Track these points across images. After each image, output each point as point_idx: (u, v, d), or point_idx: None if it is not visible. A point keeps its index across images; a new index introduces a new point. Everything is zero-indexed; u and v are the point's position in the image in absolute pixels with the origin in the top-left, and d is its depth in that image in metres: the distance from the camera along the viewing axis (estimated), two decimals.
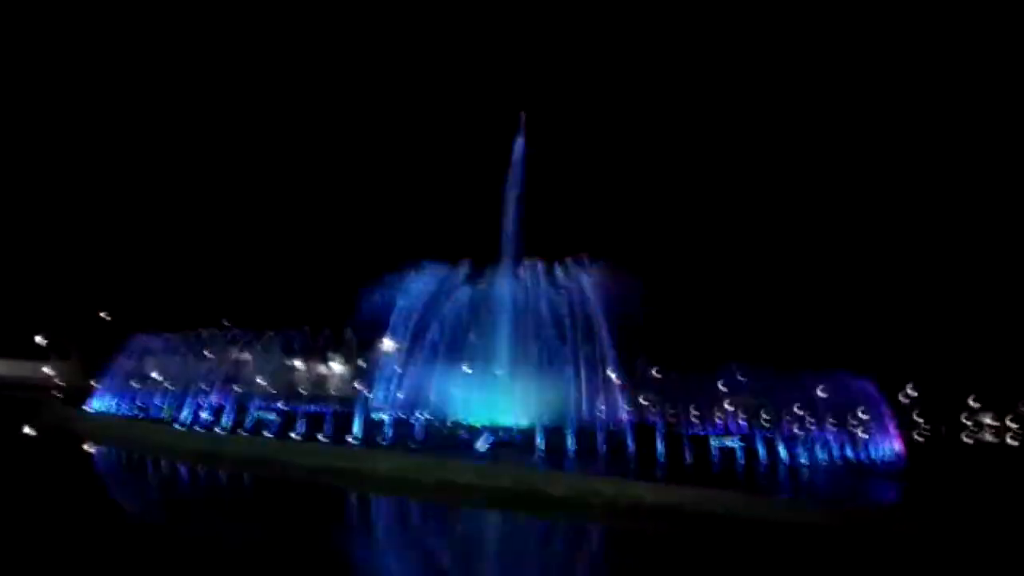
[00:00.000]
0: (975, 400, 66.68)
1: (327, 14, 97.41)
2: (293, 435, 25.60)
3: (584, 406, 31.43)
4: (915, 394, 63.63)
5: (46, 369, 65.28)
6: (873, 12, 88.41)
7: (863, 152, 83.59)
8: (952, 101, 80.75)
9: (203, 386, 32.01)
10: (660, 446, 26.42)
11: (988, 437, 62.83)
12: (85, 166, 77.22)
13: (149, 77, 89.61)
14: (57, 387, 50.93)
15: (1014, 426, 68.04)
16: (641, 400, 35.95)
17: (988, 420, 67.15)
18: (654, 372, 35.14)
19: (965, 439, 60.91)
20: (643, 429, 29.41)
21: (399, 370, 32.38)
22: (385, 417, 27.68)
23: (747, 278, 67.50)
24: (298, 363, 42.47)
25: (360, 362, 34.94)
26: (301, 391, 41.41)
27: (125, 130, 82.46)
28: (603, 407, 32.42)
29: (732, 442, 31.33)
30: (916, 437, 53.53)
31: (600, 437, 26.86)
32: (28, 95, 77.67)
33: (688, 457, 26.33)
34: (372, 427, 26.43)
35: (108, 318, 74.04)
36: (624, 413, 32.31)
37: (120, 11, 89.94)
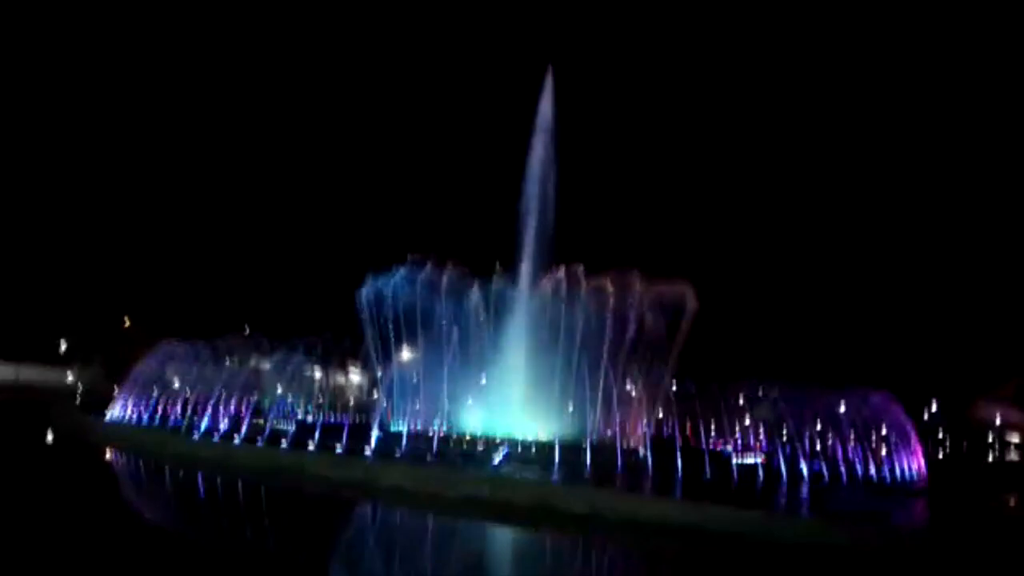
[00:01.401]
0: (999, 418, 65.53)
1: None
2: (308, 446, 25.57)
3: (603, 420, 31.19)
4: (938, 411, 62.73)
5: (70, 375, 65.93)
6: None
7: (886, 166, 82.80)
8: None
9: (222, 394, 32.11)
10: (680, 462, 26.12)
11: (1013, 456, 61.64)
12: (109, 172, 78.23)
13: (179, 80, 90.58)
14: (77, 392, 51.40)
15: None
16: (661, 414, 35.61)
17: (1014, 439, 65.96)
18: (675, 386, 34.78)
19: (989, 457, 59.77)
20: (662, 444, 29.12)
21: (416, 381, 32.33)
22: (402, 429, 27.62)
23: (770, 291, 66.96)
24: (316, 372, 42.51)
25: (378, 372, 34.85)
26: (319, 401, 41.45)
27: (145, 136, 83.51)
28: (622, 421, 32.12)
29: (753, 458, 30.94)
30: (939, 455, 52.58)
31: (619, 452, 26.62)
32: (54, 100, 78.91)
33: (708, 473, 26.00)
34: (388, 439, 26.34)
35: (130, 324, 74.83)
36: (643, 428, 32.03)
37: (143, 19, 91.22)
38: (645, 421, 32.69)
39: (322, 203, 79.94)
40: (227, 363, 35.33)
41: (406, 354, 33.83)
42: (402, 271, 33.35)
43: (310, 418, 34.78)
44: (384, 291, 33.21)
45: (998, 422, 68.71)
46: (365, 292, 33.34)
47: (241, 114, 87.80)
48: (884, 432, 37.17)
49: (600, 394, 31.11)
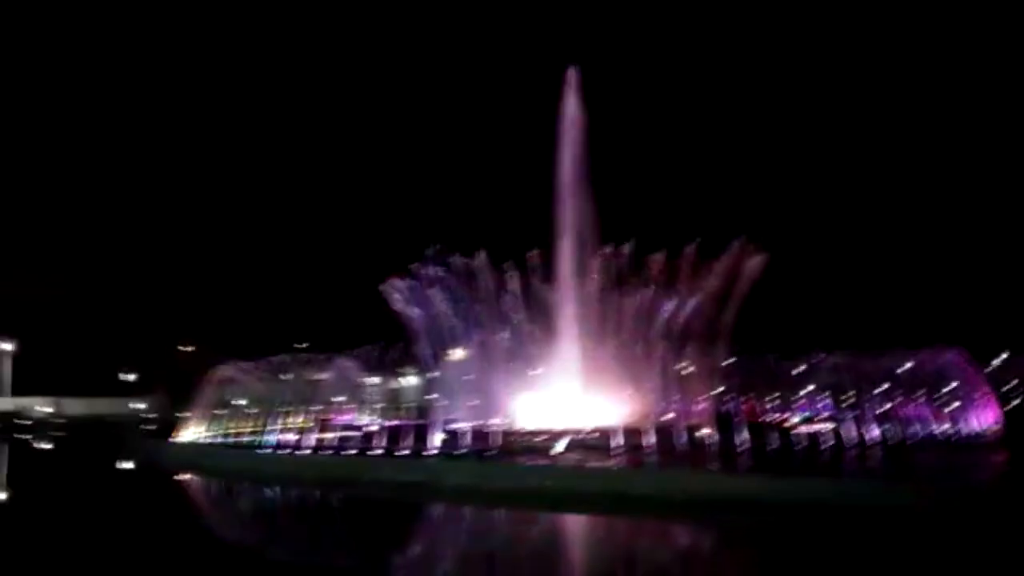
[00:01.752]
0: None
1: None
2: (372, 452, 25.99)
3: (663, 401, 30.99)
4: (1007, 361, 60.55)
5: (133, 404, 68.08)
6: None
7: (932, 139, 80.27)
8: None
9: (284, 409, 32.81)
10: (742, 435, 25.86)
11: None
12: (158, 206, 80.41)
13: (220, 105, 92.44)
14: (146, 420, 53.04)
15: None
16: (722, 389, 35.24)
17: None
18: (733, 359, 34.34)
19: None
20: (724, 419, 28.83)
21: (470, 378, 32.54)
22: (461, 427, 27.85)
23: (832, 257, 65.61)
24: (372, 379, 43.12)
25: (432, 373, 35.20)
26: (377, 406, 42.04)
27: (186, 164, 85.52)
28: (682, 400, 31.90)
29: (818, 426, 30.42)
30: (1012, 405, 50.86)
31: (680, 431, 26.45)
32: (97, 134, 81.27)
33: (771, 445, 25.69)
34: (449, 438, 26.61)
35: (189, 350, 76.92)
36: (700, 404, 31.75)
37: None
38: (706, 397, 32.39)
39: (354, 211, 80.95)
40: (285, 379, 36.07)
41: (458, 352, 34.09)
42: (436, 269, 33.63)
43: (374, 425, 35.32)
44: (420, 289, 33.59)
45: None
46: (401, 287, 33.75)
47: (272, 131, 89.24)
48: (956, 387, 36.15)
49: (658, 374, 30.94)
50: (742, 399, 34.78)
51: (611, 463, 22.71)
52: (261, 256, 79.33)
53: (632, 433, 25.96)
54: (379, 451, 26.07)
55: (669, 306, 32.93)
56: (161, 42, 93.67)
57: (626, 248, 33.51)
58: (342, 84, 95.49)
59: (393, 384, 51.88)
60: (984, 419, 34.18)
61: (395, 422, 36.03)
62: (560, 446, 25.04)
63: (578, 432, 27.09)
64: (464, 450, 25.34)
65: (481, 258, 34.11)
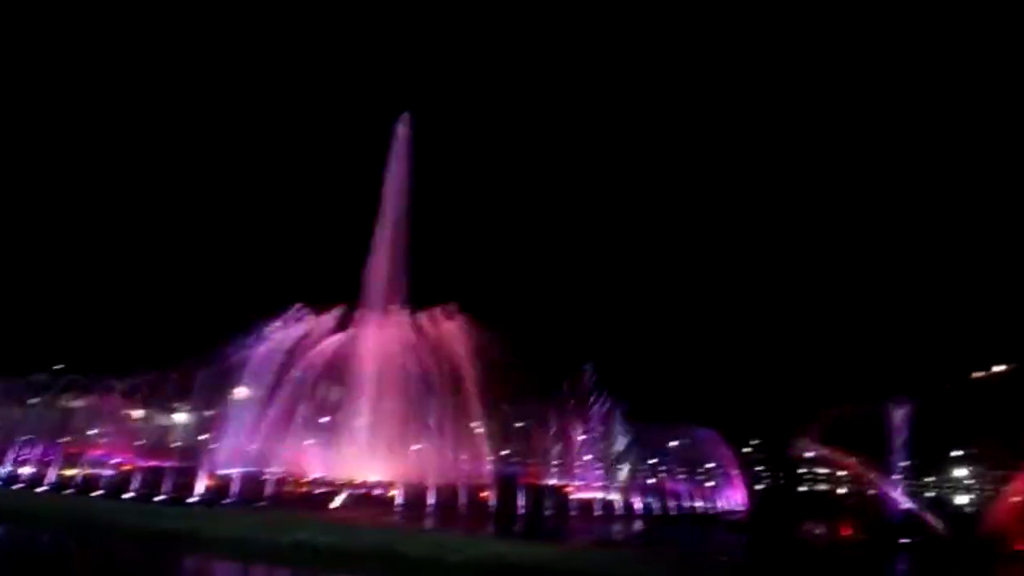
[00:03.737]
0: (812, 452, 71.38)
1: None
2: (127, 494, 23.48)
3: (447, 460, 30.89)
4: (758, 446, 67.49)
5: None
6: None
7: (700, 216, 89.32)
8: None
9: (28, 437, 28.92)
10: (522, 499, 26.38)
11: (822, 486, 67.29)
12: None
13: None
14: None
15: (844, 475, 73.46)
16: (503, 452, 35.86)
17: (822, 470, 72.09)
18: (516, 423, 35.22)
19: (801, 488, 64.89)
20: (504, 481, 29.28)
21: (251, 421, 30.56)
22: (233, 472, 25.99)
23: (601, 330, 69.69)
24: (137, 412, 39.12)
25: (208, 412, 32.66)
26: (140, 443, 38.20)
27: None
28: (465, 459, 32.03)
29: (591, 493, 31.81)
30: (758, 487, 56.52)
31: (462, 491, 26.46)
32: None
33: (548, 510, 26.41)
34: (217, 484, 24.72)
35: None
36: (486, 465, 32.09)
37: None
38: (490, 460, 32.78)
39: (156, 231, 75.09)
40: (33, 403, 31.93)
41: (242, 391, 31.92)
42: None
43: (130, 464, 31.98)
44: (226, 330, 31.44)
45: (809, 456, 74.93)
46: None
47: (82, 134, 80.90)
48: (711, 466, 39.53)
49: (444, 434, 30.88)
50: (529, 462, 35.69)
51: (390, 520, 22.14)
52: (30, 261, 70.46)
53: (416, 490, 25.59)
54: (134, 494, 23.60)
55: (457, 369, 33.16)
56: None
57: (425, 312, 33.60)
58: (146, 124, 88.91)
59: (163, 420, 47.50)
60: (735, 498, 37.66)
61: (156, 463, 32.81)
62: (340, 499, 24.09)
63: (361, 486, 26.26)
64: (232, 499, 23.59)
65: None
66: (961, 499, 59.82)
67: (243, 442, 29.64)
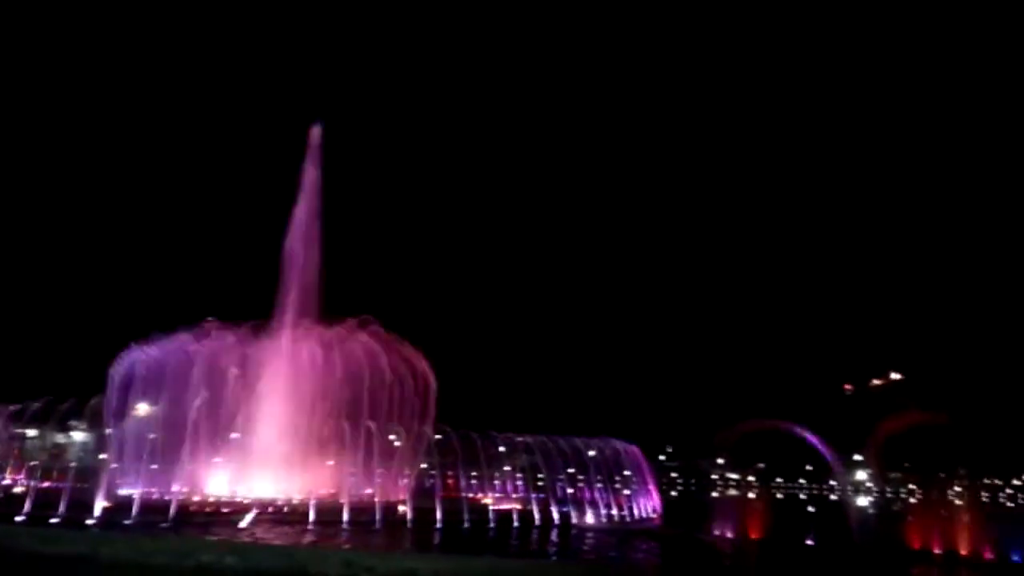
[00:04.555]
0: (721, 459, 73.81)
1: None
2: (19, 516, 22.04)
3: (363, 476, 30.31)
4: (672, 455, 69.40)
5: None
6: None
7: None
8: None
9: None
10: (440, 512, 26.11)
11: (732, 492, 69.51)
12: None
13: None
14: None
15: (752, 479, 76.25)
16: (422, 465, 35.47)
17: (732, 476, 74.58)
18: (434, 437, 34.87)
19: (713, 494, 66.84)
20: (422, 495, 28.96)
21: (154, 439, 29.21)
22: (134, 493, 24.79)
23: (521, 346, 70.29)
24: (31, 431, 36.88)
25: (108, 430, 31.07)
26: (33, 463, 36.03)
27: None
28: (382, 474, 31.52)
29: (511, 504, 31.72)
30: (672, 494, 57.91)
31: (377, 506, 25.98)
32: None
33: (466, 523, 26.21)
34: (116, 505, 23.50)
35: None
36: (403, 479, 31.67)
37: None
38: (406, 473, 32.37)
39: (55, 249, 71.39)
40: None
41: (143, 408, 30.49)
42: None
43: (20, 485, 30.12)
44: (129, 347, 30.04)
45: (721, 462, 77.40)
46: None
47: None
48: (627, 474, 40.15)
49: (360, 449, 30.30)
50: (447, 475, 35.34)
51: (301, 539, 21.50)
52: None
53: (330, 507, 24.97)
54: (25, 516, 22.15)
55: (373, 382, 32.75)
56: None
57: (339, 325, 32.96)
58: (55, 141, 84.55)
59: (59, 438, 44.95)
60: (650, 505, 38.28)
61: (51, 484, 30.95)
62: (248, 519, 23.25)
63: (271, 504, 25.43)
64: (133, 521, 22.44)
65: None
66: (862, 501, 62.79)
67: (145, 461, 28.31)
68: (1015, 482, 79.89)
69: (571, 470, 38.09)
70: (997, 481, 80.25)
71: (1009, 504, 73.41)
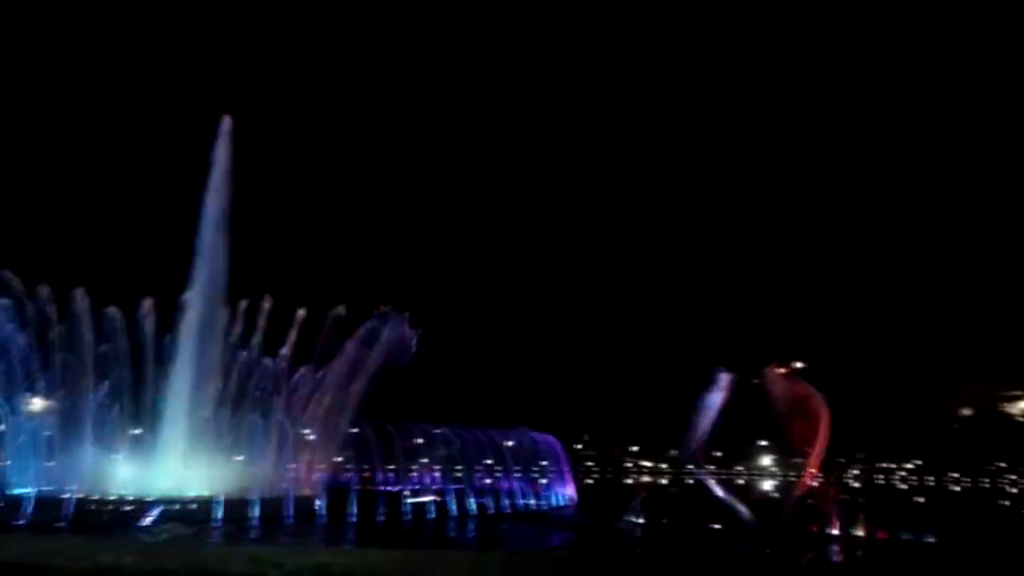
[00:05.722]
0: (635, 447, 75.94)
1: None
2: None
3: (275, 469, 29.57)
4: (587, 443, 70.78)
5: None
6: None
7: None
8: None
9: None
10: (354, 506, 25.77)
11: (646, 478, 71.41)
12: None
13: None
14: None
15: (664, 467, 78.60)
16: (336, 458, 34.90)
17: (646, 463, 76.78)
18: (349, 430, 34.34)
19: (627, 481, 68.45)
20: (336, 490, 28.49)
21: (48, 434, 27.67)
22: (27, 492, 23.47)
23: (437, 338, 70.01)
24: None
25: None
26: None
27: None
28: (294, 467, 30.83)
29: (427, 497, 31.63)
30: (587, 481, 59.02)
31: (289, 501, 25.41)
32: None
33: (382, 516, 25.96)
34: (8, 505, 22.21)
35: None
36: (316, 473, 31.09)
37: None
38: (320, 467, 31.78)
39: None
40: None
41: (35, 403, 28.82)
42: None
43: None
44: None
45: (635, 450, 79.69)
46: None
47: None
48: (544, 464, 40.63)
49: (272, 441, 29.56)
50: (362, 468, 34.85)
51: (206, 537, 20.81)
52: None
53: (238, 503, 24.25)
54: None
55: (300, 370, 32.01)
56: None
57: (265, 304, 31.76)
58: None
59: None
60: (564, 493, 38.87)
61: None
62: (151, 517, 22.35)
63: (175, 501, 24.50)
64: (25, 521, 21.25)
65: (79, 298, 29.14)
66: (766, 485, 65.46)
67: (38, 458, 26.79)
68: (907, 465, 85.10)
69: (488, 461, 38.25)
70: (891, 465, 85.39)
71: (901, 486, 78.12)
